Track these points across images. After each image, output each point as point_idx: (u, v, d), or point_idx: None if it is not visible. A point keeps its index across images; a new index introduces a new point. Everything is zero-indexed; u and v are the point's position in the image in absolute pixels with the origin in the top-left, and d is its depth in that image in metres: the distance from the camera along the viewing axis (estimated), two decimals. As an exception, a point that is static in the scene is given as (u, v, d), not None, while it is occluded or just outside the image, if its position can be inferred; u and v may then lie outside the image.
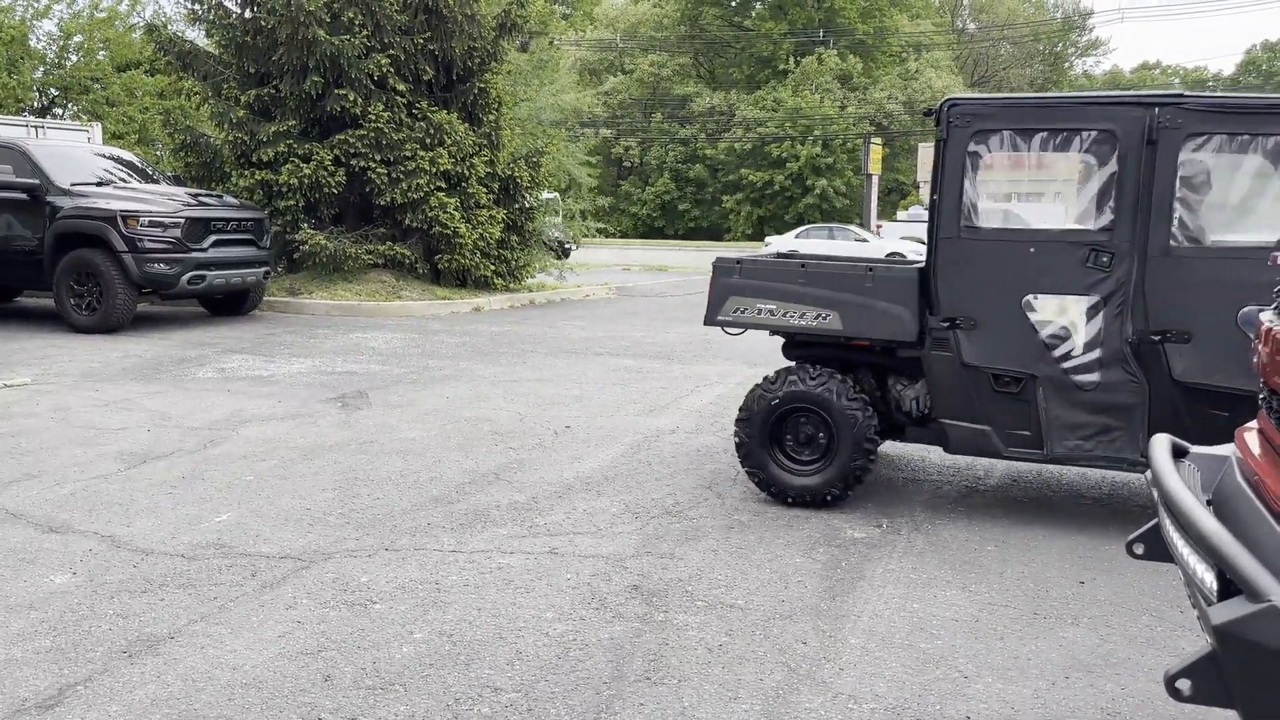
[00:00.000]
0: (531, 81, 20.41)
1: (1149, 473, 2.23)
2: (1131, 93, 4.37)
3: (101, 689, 3.00)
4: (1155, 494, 2.19)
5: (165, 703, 2.92)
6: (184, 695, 2.96)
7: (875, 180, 45.30)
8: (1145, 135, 4.21)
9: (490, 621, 3.52)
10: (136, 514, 4.68)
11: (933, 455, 6.02)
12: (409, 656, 3.24)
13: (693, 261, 31.52)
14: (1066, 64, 75.87)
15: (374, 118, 13.58)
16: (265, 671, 3.12)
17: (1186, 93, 4.18)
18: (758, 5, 59.69)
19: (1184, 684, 1.76)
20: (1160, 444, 2.35)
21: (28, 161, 11.00)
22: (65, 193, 10.86)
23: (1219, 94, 4.31)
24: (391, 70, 13.74)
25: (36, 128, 15.86)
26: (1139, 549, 2.42)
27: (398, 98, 13.88)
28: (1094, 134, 4.38)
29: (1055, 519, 4.82)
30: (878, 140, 46.22)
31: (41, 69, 23.27)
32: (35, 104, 22.94)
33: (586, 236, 22.50)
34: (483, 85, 15.02)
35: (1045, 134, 4.53)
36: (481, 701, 2.96)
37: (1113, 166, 4.33)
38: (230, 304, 12.59)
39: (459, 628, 3.46)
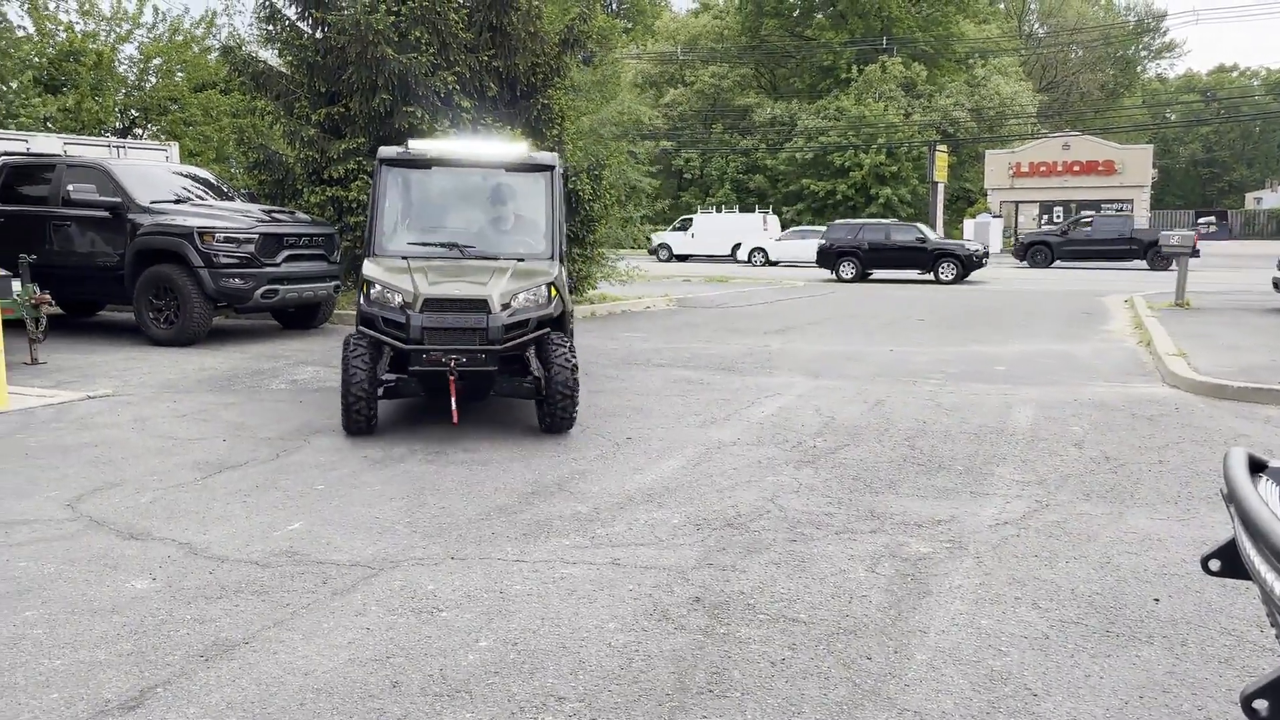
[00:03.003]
0: (594, 96, 20.57)
1: (1225, 486, 2.17)
2: None
3: (180, 692, 3.09)
4: (1231, 509, 2.13)
5: (240, 706, 3.00)
6: (258, 699, 3.05)
7: (941, 188, 44.77)
8: None
9: (553, 631, 3.55)
10: (212, 522, 4.82)
11: (1002, 470, 5.92)
12: (475, 664, 3.29)
13: (754, 273, 31.39)
14: (1139, 67, 74.15)
15: (440, 134, 13.82)
16: (335, 677, 3.19)
17: None
18: (818, 15, 59.40)
19: (1261, 704, 1.70)
20: (1237, 457, 2.28)
21: (110, 180, 11.42)
22: (145, 210, 11.25)
23: None
24: (457, 87, 13.97)
25: (118, 148, 16.45)
26: (1215, 565, 2.35)
27: (463, 114, 14.11)
28: None
29: (1130, 535, 4.71)
30: (943, 148, 45.67)
31: (123, 91, 24.13)
32: (116, 125, 23.78)
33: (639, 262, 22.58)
34: (546, 100, 15.18)
35: None
36: (546, 710, 2.99)
37: None
38: (302, 317, 12.91)
39: (523, 636, 3.50)
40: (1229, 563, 2.31)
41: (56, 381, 8.78)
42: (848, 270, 26.43)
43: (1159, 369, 9.70)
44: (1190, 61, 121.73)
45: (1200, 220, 56.76)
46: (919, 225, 28.20)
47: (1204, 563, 2.40)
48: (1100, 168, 45.78)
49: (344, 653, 3.37)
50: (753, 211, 43.81)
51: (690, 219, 41.93)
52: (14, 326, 9.33)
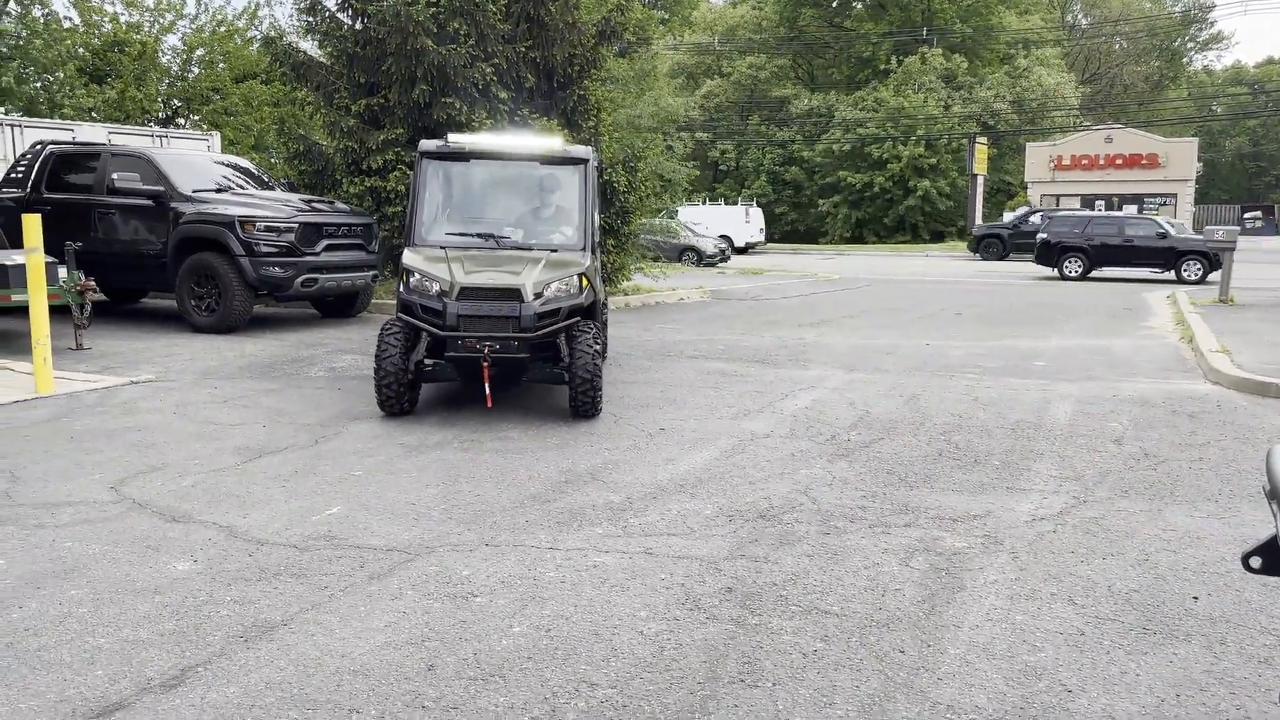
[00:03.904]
0: (631, 88, 20.54)
1: (1267, 484, 2.14)
2: None
3: (220, 671, 3.16)
4: (1273, 506, 2.11)
5: (279, 686, 3.06)
6: (296, 680, 3.10)
7: (981, 181, 44.28)
8: None
9: (586, 618, 3.58)
10: (252, 506, 4.90)
11: (1039, 465, 5.87)
12: (508, 649, 3.32)
13: (788, 264, 31.32)
14: (1185, 59, 72.73)
15: (478, 125, 13.88)
16: (372, 659, 3.24)
17: None
18: (857, 5, 58.84)
19: (1301, 703, 1.69)
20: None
21: (154, 169, 11.59)
22: (188, 199, 11.40)
23: None
24: (495, 79, 14.01)
25: (161, 137, 16.68)
26: (1255, 563, 2.32)
27: (500, 105, 14.15)
28: None
29: (1168, 532, 4.65)
30: (983, 140, 45.15)
31: (166, 81, 24.47)
32: (160, 114, 24.13)
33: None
34: (582, 92, 15.18)
35: None
36: (579, 696, 3.01)
37: None
38: (340, 306, 13.04)
39: (556, 623, 3.53)
40: (1270, 560, 2.28)
41: (101, 367, 8.95)
42: (1073, 268, 24.06)
43: (1201, 365, 9.54)
44: (1238, 53, 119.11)
45: (1246, 215, 55.64)
46: (1158, 219, 25.44)
47: (1244, 560, 2.36)
48: (1144, 161, 44.99)
49: (380, 635, 3.42)
50: (745, 205, 43.93)
51: (676, 211, 42.13)
52: (59, 312, 9.51)
